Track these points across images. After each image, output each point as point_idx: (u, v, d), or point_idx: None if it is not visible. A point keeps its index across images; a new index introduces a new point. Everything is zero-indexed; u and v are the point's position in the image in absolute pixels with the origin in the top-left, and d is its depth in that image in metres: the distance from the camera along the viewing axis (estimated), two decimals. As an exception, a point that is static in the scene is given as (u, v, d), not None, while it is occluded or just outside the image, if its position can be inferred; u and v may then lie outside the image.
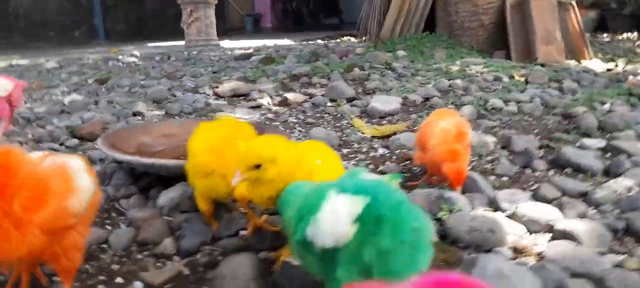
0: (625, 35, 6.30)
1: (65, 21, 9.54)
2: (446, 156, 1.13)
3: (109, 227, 1.07)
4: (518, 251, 0.90)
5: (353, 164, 1.50)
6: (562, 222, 0.96)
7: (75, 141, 1.80)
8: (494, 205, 1.09)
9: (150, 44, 8.75)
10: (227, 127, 1.01)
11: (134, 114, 2.23)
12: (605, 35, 6.55)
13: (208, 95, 2.71)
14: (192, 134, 0.98)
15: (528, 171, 1.37)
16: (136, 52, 6.20)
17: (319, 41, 8.49)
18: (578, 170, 1.31)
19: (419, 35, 4.22)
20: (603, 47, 4.95)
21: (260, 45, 7.72)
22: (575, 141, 1.61)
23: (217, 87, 2.82)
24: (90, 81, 3.32)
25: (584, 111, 1.96)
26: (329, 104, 2.47)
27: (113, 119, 2.12)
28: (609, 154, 1.45)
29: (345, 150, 1.67)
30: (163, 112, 2.30)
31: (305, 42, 8.23)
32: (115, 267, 0.91)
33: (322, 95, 2.60)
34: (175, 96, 2.68)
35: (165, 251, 0.94)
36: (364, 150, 1.67)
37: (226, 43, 8.44)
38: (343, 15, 13.01)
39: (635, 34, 6.28)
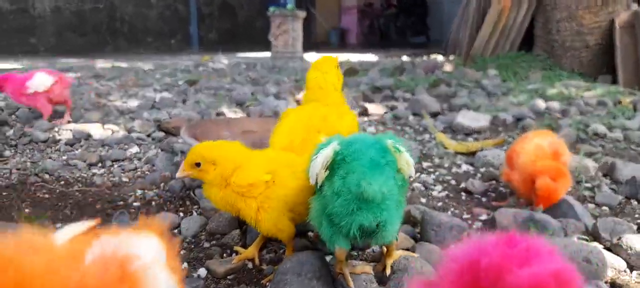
0: None
1: (163, 28, 10.32)
2: (545, 171, 1.04)
3: (181, 214, 1.11)
4: (614, 285, 0.79)
5: (433, 179, 1.43)
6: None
7: (161, 134, 1.92)
8: (592, 235, 0.97)
9: (239, 55, 9.21)
10: (310, 117, 1.00)
11: (217, 114, 2.33)
12: None
13: (289, 100, 2.77)
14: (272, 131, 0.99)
15: (634, 202, 1.22)
16: (225, 60, 6.55)
17: (404, 58, 8.40)
18: (700, 207, 1.14)
19: (513, 53, 4.00)
20: None
21: (344, 59, 7.81)
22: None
23: (299, 94, 2.88)
24: (180, 83, 3.54)
25: None
26: (411, 117, 2.41)
27: (197, 116, 2.23)
28: None
29: (425, 164, 1.60)
30: (245, 114, 2.38)
31: (390, 58, 8.18)
32: (183, 252, 0.94)
33: (405, 108, 2.55)
34: (257, 99, 2.77)
35: (233, 241, 0.95)
36: (446, 165, 1.59)
37: (311, 56, 8.65)
38: (430, 33, 12.77)
39: None
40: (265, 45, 8.83)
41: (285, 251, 0.92)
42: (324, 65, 1.08)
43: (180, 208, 1.14)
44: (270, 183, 0.80)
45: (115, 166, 1.50)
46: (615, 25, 3.44)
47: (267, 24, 8.38)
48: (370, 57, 8.28)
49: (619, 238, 0.91)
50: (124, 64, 5.45)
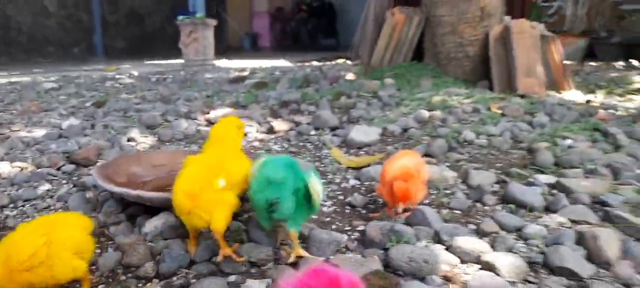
0: (613, 63, 6.52)
1: (65, 38, 9.79)
2: (398, 176, 1.31)
3: (98, 251, 1.24)
4: (447, 279, 1.07)
5: (324, 195, 1.67)
6: (489, 255, 1.12)
7: (72, 166, 1.97)
8: (437, 238, 1.26)
9: (148, 62, 8.97)
10: (209, 165, 1.19)
11: (128, 140, 2.41)
12: (593, 63, 6.78)
13: (199, 121, 2.89)
14: (179, 171, 1.16)
15: (479, 205, 1.54)
16: (134, 72, 6.40)
17: (315, 63, 8.73)
18: (521, 205, 1.48)
19: (407, 63, 4.42)
20: (588, 77, 5.15)
21: (256, 66, 7.95)
22: (529, 177, 1.78)
23: (209, 113, 3.01)
24: (87, 105, 3.50)
25: (545, 147, 2.13)
26: (313, 132, 2.65)
27: (107, 144, 2.29)
28: (555, 191, 1.62)
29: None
30: (155, 138, 2.47)
31: (301, 64, 8.46)
32: (101, 287, 1.08)
33: (308, 124, 2.79)
34: (168, 121, 2.86)
35: (146, 274, 1.11)
36: (337, 180, 1.84)
37: (223, 62, 8.68)
38: (339, 36, 13.28)
39: (622, 62, 6.51)
40: (177, 52, 8.71)
41: (195, 276, 1.09)
42: (227, 125, 1.27)
43: (97, 246, 1.27)
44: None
45: (28, 206, 1.56)
46: (489, 38, 3.97)
47: (177, 30, 8.29)
48: (282, 62, 8.49)
49: (452, 238, 1.20)
50: (23, 79, 5.17)
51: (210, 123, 2.87)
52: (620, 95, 3.87)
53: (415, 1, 4.28)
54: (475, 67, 4.13)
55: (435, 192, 1.65)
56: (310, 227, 1.31)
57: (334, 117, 2.82)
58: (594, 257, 1.14)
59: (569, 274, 1.06)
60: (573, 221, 1.36)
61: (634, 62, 6.45)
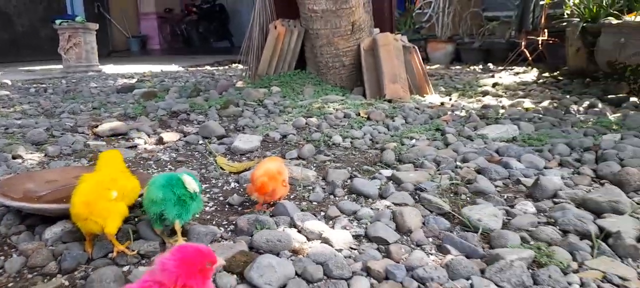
0: (473, 66, 7.61)
1: None
2: (263, 176, 1.69)
3: (2, 258, 1.45)
4: (295, 252, 1.47)
5: (207, 197, 2.00)
6: (327, 232, 1.55)
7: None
8: (292, 224, 1.66)
9: (22, 69, 8.43)
10: (107, 172, 1.48)
11: (14, 157, 2.51)
12: (458, 66, 7.84)
13: (87, 135, 3.03)
14: (75, 186, 1.42)
15: (332, 197, 1.98)
16: (7, 81, 6.08)
17: (207, 67, 8.87)
18: (362, 195, 1.95)
19: (291, 72, 4.86)
20: (451, 79, 6.02)
21: (146, 71, 7.89)
22: (376, 172, 2.28)
23: (97, 126, 3.15)
24: (-40, 121, 3.41)
25: (393, 147, 2.67)
26: (201, 141, 2.95)
27: (-7, 163, 2.38)
28: (390, 182, 2.12)
29: (204, 185, 2.16)
30: (43, 155, 2.60)
31: (193, 68, 8.55)
32: (11, 285, 1.31)
33: (196, 133, 3.08)
34: (54, 136, 2.96)
35: (51, 271, 1.36)
36: (220, 184, 2.18)
37: (109, 68, 8.45)
38: (233, 38, 13.45)
39: (481, 66, 7.63)
40: (54, 57, 8.33)
41: (93, 269, 1.37)
42: (109, 157, 1.54)
43: (0, 254, 1.48)
44: None
45: None
46: (361, 49, 4.55)
47: (52, 33, 7.94)
48: (173, 67, 8.51)
49: (303, 222, 1.62)
50: None
51: (98, 136, 3.02)
52: (470, 97, 4.68)
53: (296, 14, 4.73)
54: (350, 75, 4.70)
55: (299, 188, 2.07)
56: (192, 224, 1.64)
57: (221, 127, 3.14)
58: (400, 227, 1.62)
59: (380, 241, 1.53)
60: (395, 204, 1.85)
61: (490, 65, 7.59)
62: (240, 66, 8.09)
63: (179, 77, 6.80)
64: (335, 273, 1.30)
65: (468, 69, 7.45)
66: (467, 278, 1.26)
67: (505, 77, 6.20)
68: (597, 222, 1.56)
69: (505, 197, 1.93)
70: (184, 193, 1.45)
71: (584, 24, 5.19)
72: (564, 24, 5.82)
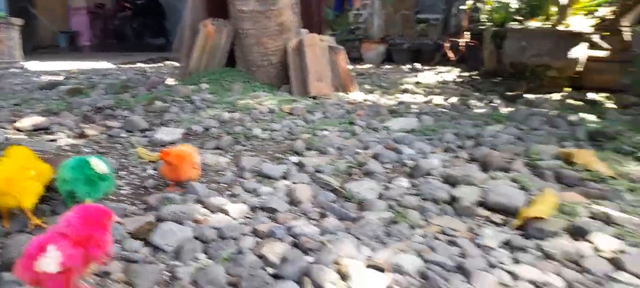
0: (402, 66, 8.13)
1: None
2: (173, 157, 1.94)
3: None
4: (197, 222, 1.74)
5: (124, 182, 2.21)
6: (227, 205, 1.83)
7: None
8: (199, 201, 1.92)
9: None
10: (20, 159, 1.67)
11: None
12: (388, 66, 8.33)
13: (8, 130, 3.13)
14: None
15: (240, 179, 2.26)
16: None
17: (140, 64, 8.84)
18: (268, 177, 2.23)
19: (222, 69, 5.08)
20: (378, 78, 6.44)
21: (74, 68, 7.79)
22: (285, 159, 2.57)
23: (17, 122, 3.24)
24: None
25: (306, 137, 2.97)
26: (124, 134, 3.12)
27: None
28: (296, 166, 2.42)
29: (123, 173, 2.37)
30: (-39, 148, 2.68)
31: (125, 66, 8.50)
32: None
33: (120, 127, 3.24)
34: (-27, 131, 3.03)
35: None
36: (137, 172, 2.39)
37: (34, 64, 8.24)
38: (170, 35, 13.35)
39: (409, 65, 8.16)
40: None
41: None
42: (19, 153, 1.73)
43: None
44: None
45: None
46: (288, 49, 4.84)
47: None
48: (103, 64, 8.43)
49: (208, 199, 1.88)
50: None
51: (19, 131, 3.12)
52: (390, 94, 5.10)
53: (226, 14, 4.95)
54: (278, 73, 4.99)
55: (211, 173, 2.32)
56: (104, 201, 1.86)
57: (144, 121, 3.33)
58: (292, 201, 1.92)
59: (271, 210, 1.82)
60: (294, 183, 2.15)
61: (418, 65, 8.14)
62: (175, 63, 8.18)
63: (109, 74, 6.80)
64: (227, 235, 1.58)
65: (397, 69, 7.95)
66: (334, 233, 1.58)
67: (429, 76, 6.71)
68: (451, 191, 1.94)
69: (389, 176, 2.28)
70: (92, 173, 1.67)
71: (494, 29, 5.77)
72: (481, 27, 6.43)
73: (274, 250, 1.45)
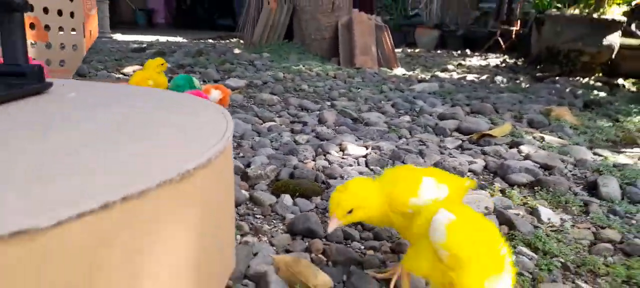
0: (454, 52, 8.73)
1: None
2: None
3: None
4: (254, 124, 2.64)
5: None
6: (275, 118, 2.73)
7: None
8: (257, 115, 2.83)
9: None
10: (149, 71, 2.67)
11: (67, 81, 3.69)
12: (440, 51, 8.97)
13: (115, 74, 4.22)
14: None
15: (286, 109, 3.15)
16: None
17: (210, 41, 10.03)
18: (306, 109, 3.11)
19: (280, 42, 6.03)
20: (426, 60, 7.15)
21: (153, 40, 9.07)
22: (322, 105, 3.44)
23: (123, 69, 4.34)
24: None
25: (342, 92, 3.83)
26: (201, 83, 4.12)
27: None
28: (327, 110, 3.28)
29: (202, 103, 3.33)
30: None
31: (197, 41, 9.71)
32: None
33: (198, 78, 4.25)
34: (91, 73, 4.15)
35: None
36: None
37: (119, 36, 9.64)
38: (237, 17, 14.53)
39: (460, 51, 8.75)
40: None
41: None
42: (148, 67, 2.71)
43: None
44: None
45: None
46: (339, 25, 5.70)
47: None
48: (178, 39, 9.68)
49: (263, 114, 2.79)
50: None
51: (124, 75, 4.20)
52: (428, 72, 5.83)
53: (287, -7, 5.89)
54: (330, 47, 5.86)
55: (266, 105, 3.23)
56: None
57: (217, 74, 4.32)
58: (321, 119, 2.79)
59: (304, 123, 2.69)
60: (325, 111, 3.01)
61: (468, 51, 8.72)
62: (241, 41, 9.26)
63: (183, 46, 7.97)
64: (273, 130, 2.47)
65: (447, 54, 8.57)
66: (343, 134, 2.43)
67: (474, 61, 7.33)
68: (438, 122, 2.72)
69: (398, 114, 3.09)
70: (192, 81, 2.60)
71: (537, 15, 6.32)
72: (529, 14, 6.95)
73: (302, 137, 2.33)
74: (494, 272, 0.78)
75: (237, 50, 6.24)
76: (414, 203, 1.02)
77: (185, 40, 9.58)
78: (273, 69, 4.88)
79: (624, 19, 5.28)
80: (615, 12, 5.38)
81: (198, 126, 1.01)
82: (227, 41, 9.95)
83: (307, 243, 1.29)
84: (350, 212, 1.01)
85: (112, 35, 9.24)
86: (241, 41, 9.20)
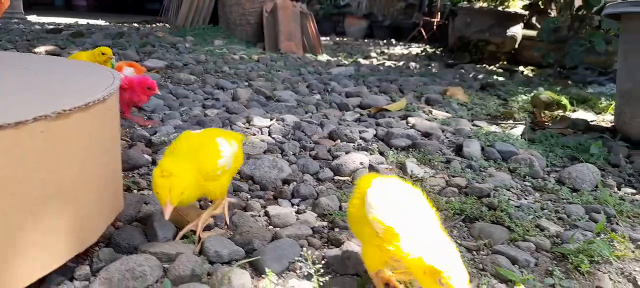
0: (380, 42, 9.15)
1: None
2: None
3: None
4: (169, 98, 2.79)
5: (120, 85, 3.27)
6: (189, 95, 2.88)
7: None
8: (172, 92, 2.97)
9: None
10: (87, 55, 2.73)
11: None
12: (367, 40, 9.36)
13: (26, 53, 4.17)
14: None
15: (202, 87, 3.30)
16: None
17: (135, 24, 9.84)
18: (222, 88, 3.28)
19: (205, 26, 6.12)
20: (352, 48, 7.47)
21: (71, 22, 8.79)
22: (242, 82, 3.62)
23: (34, 49, 4.29)
24: None
25: (260, 75, 4.03)
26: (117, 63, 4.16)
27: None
28: (251, 91, 3.47)
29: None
30: (-4, 60, 3.73)
31: (120, 24, 9.50)
32: None
33: (117, 59, 4.28)
34: (1, 52, 4.07)
35: None
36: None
37: (33, 18, 9.25)
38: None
39: (386, 40, 9.18)
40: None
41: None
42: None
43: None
44: None
45: None
46: (264, 11, 5.87)
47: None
48: (99, 22, 9.43)
49: (177, 91, 2.94)
50: None
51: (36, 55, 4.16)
52: (352, 58, 6.14)
53: (212, -23, 5.98)
54: (255, 32, 6.02)
55: (183, 84, 3.37)
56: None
57: (136, 55, 4.37)
58: (234, 96, 2.98)
59: (217, 99, 2.87)
60: (239, 88, 3.20)
61: (393, 41, 9.17)
62: (167, 25, 9.17)
63: (105, 29, 7.82)
64: (185, 103, 2.63)
65: (373, 43, 8.97)
66: (252, 108, 2.64)
67: (397, 49, 7.75)
68: (343, 100, 3.00)
69: (310, 92, 3.33)
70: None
71: (451, 8, 6.81)
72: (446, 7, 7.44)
73: (213, 111, 2.51)
74: (430, 241, 0.79)
75: (160, 34, 6.25)
76: (222, 164, 1.13)
77: (107, 24, 9.36)
78: (196, 52, 4.98)
79: (526, 12, 5.84)
80: (518, 6, 5.94)
81: (88, 83, 1.20)
82: (154, 25, 9.81)
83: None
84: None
85: (26, 16, 8.85)
86: (167, 25, 9.13)
